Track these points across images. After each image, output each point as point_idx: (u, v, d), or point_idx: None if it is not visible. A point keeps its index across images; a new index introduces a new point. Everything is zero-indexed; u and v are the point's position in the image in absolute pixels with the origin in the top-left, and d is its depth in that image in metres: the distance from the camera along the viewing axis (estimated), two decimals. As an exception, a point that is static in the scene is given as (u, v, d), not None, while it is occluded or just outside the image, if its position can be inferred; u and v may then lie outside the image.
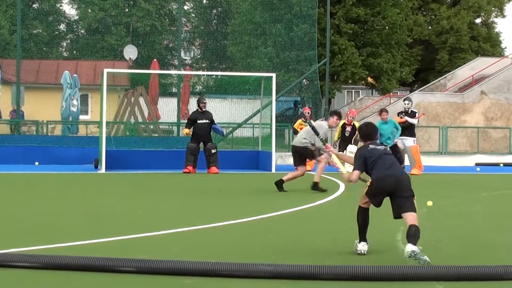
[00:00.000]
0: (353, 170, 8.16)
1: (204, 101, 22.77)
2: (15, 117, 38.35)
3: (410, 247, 7.28)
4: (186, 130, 22.47)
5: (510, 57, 42.85)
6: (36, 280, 6.71)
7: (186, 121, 23.94)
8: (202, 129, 22.33)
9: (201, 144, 22.48)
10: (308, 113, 24.92)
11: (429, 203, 12.69)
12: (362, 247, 8.12)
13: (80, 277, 6.80)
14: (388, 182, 7.80)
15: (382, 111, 22.17)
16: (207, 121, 22.44)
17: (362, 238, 8.18)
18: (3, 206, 13.12)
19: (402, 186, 7.78)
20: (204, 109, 22.55)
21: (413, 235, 7.40)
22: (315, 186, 16.08)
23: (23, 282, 6.62)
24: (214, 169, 22.17)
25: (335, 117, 16.99)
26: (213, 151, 22.34)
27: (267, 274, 6.77)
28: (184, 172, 21.86)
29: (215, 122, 22.94)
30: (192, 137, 22.40)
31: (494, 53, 52.46)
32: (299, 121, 24.96)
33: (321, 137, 14.43)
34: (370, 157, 8.04)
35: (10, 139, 26.56)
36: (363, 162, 8.07)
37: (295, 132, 24.89)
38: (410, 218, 7.59)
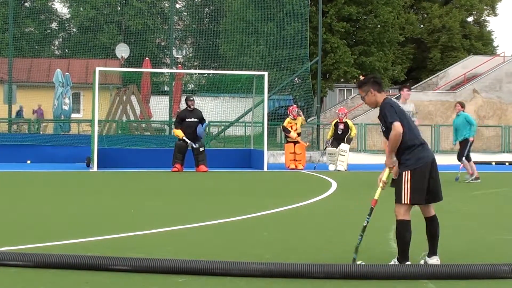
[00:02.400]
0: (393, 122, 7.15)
1: (191, 99, 22.75)
2: (41, 115, 38.42)
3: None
4: (178, 132, 22.36)
5: (502, 55, 42.93)
6: (29, 278, 6.69)
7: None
8: (190, 127, 22.30)
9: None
10: (296, 111, 24.93)
11: None
12: None
13: (73, 275, 6.78)
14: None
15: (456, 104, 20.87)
16: (195, 119, 22.41)
17: (406, 257, 7.22)
18: (-5, 205, 13.11)
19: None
20: (192, 107, 22.54)
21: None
22: None
23: (16, 281, 6.60)
24: (202, 167, 22.19)
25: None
26: (201, 149, 22.34)
27: (260, 273, 6.76)
28: (173, 171, 21.88)
29: (205, 120, 22.91)
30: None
31: (486, 52, 52.64)
32: (288, 119, 25.00)
33: None
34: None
35: (2, 138, 26.49)
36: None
37: (285, 130, 24.92)
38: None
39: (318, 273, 6.75)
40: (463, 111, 20.15)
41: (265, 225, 10.54)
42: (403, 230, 7.11)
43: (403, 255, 7.15)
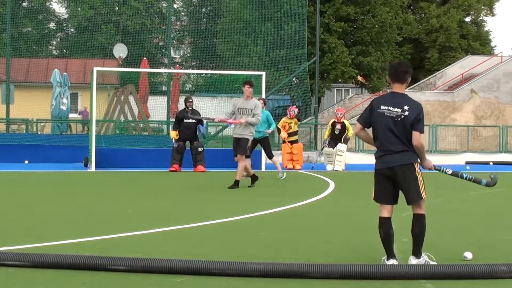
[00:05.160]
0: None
1: (190, 100, 22.77)
2: (86, 117, 38.38)
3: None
4: (173, 134, 22.44)
5: (499, 55, 42.95)
6: (26, 278, 6.68)
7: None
8: (188, 127, 22.33)
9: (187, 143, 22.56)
10: (294, 112, 24.97)
11: None
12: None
13: (71, 275, 6.78)
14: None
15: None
16: (193, 120, 22.42)
17: (389, 254, 7.26)
18: (-7, 205, 13.10)
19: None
20: (191, 108, 22.55)
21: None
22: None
23: (14, 281, 6.59)
24: (200, 167, 22.19)
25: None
26: (199, 149, 22.38)
27: (257, 273, 6.76)
28: (170, 171, 21.88)
29: (203, 121, 22.93)
30: (179, 135, 22.40)
31: (483, 52, 52.58)
32: (284, 118, 25.06)
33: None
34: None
35: (0, 138, 26.47)
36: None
37: (277, 130, 24.99)
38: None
39: (316, 273, 6.75)
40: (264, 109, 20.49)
41: (263, 225, 10.54)
42: (378, 226, 7.29)
43: (385, 250, 7.25)
